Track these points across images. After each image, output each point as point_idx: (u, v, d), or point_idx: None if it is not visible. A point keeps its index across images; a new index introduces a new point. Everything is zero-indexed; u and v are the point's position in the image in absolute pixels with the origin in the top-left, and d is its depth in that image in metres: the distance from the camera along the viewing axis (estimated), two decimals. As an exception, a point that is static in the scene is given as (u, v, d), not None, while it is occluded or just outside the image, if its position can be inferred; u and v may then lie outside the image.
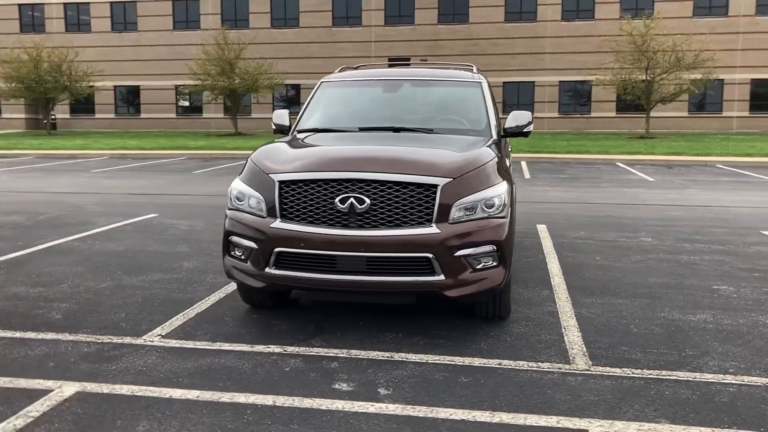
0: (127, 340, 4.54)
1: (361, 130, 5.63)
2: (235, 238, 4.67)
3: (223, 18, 39.93)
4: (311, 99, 6.06)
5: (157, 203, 11.12)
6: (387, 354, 4.28)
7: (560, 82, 38.30)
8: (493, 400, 3.61)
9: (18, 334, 4.64)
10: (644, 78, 30.62)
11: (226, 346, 4.41)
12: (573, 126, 38.05)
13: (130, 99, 42.95)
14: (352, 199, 4.32)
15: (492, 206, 4.44)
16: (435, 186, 4.35)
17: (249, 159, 4.98)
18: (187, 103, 42.02)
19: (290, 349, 4.37)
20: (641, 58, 30.59)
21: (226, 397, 3.64)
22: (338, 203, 4.34)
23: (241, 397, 3.63)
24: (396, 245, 4.28)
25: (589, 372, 4.01)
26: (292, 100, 40.48)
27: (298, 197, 4.46)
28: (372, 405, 3.54)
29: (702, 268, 6.68)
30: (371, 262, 4.32)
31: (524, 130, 5.67)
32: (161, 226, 8.96)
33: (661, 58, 30.26)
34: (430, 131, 5.57)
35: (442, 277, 4.31)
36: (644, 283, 6.08)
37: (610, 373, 3.98)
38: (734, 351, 4.37)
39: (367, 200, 4.31)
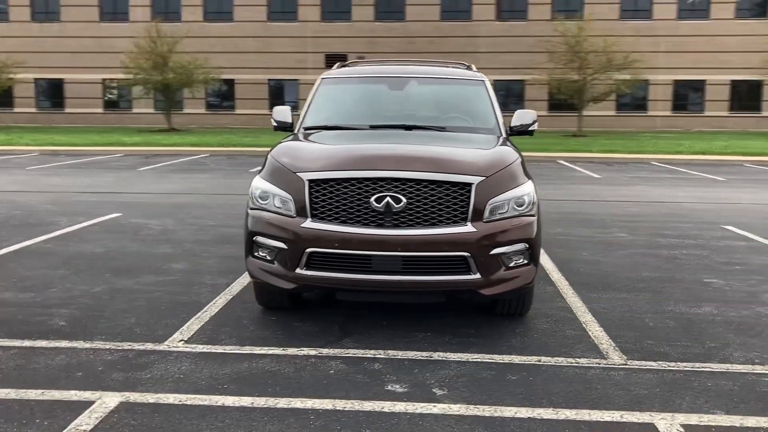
0: (149, 346, 4.34)
1: (372, 128, 5.57)
2: (260, 239, 4.54)
3: (154, 10, 38.71)
4: (314, 95, 5.93)
5: (116, 202, 10.68)
6: (425, 354, 4.25)
7: (495, 81, 38.88)
8: (549, 397, 3.65)
9: (27, 343, 4.37)
10: (577, 78, 31.57)
11: (258, 350, 4.28)
12: (506, 124, 38.77)
13: (52, 93, 41.05)
14: (388, 198, 4.27)
15: (522, 204, 4.48)
16: (470, 184, 4.35)
17: (270, 156, 4.85)
18: (115, 98, 40.53)
19: (325, 351, 4.28)
20: (574, 58, 31.54)
21: (282, 402, 3.53)
22: (374, 202, 4.28)
23: (298, 402, 3.53)
24: (433, 244, 4.25)
25: (627, 366, 4.10)
26: (226, 95, 39.75)
27: (330, 196, 4.37)
28: (434, 406, 3.51)
29: (684, 262, 6.94)
30: (407, 262, 4.28)
31: (529, 129, 5.74)
32: (132, 226, 8.61)
33: (593, 58, 31.26)
34: (442, 129, 5.56)
35: (477, 275, 4.31)
36: (639, 277, 6.27)
37: (648, 367, 4.09)
38: (752, 342, 4.56)
39: (404, 199, 4.27)
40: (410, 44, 38.73)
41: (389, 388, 3.74)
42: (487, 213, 4.35)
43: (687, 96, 38.90)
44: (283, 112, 5.86)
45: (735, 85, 38.44)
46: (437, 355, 4.23)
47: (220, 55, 37.68)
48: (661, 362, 4.17)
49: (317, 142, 5.02)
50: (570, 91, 31.97)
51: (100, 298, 5.39)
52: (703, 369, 4.07)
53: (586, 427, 3.32)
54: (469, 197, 4.33)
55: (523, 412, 3.45)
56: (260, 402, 3.54)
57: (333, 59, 40.02)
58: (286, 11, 39.15)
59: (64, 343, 4.37)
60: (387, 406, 3.50)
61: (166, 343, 4.40)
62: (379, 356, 4.21)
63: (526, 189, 4.54)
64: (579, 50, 31.52)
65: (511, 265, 4.41)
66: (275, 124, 5.89)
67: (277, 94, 40.15)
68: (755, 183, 15.16)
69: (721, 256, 7.19)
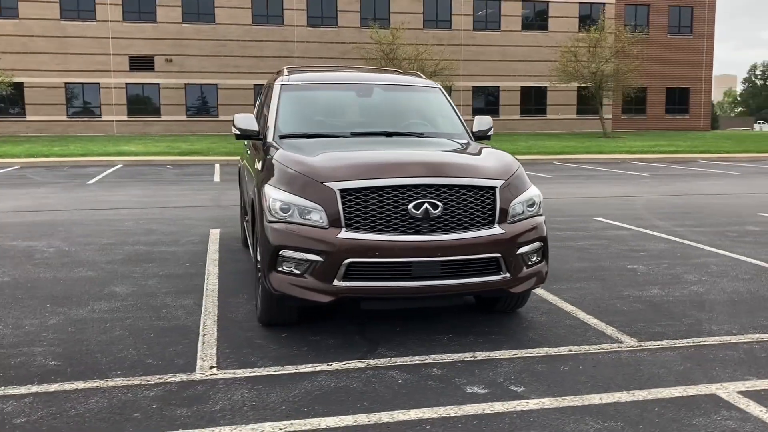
0: (183, 377, 3.98)
1: (354, 135, 5.53)
2: (289, 253, 4.34)
3: None
4: (279, 103, 5.72)
5: (-33, 223, 9.34)
6: (468, 355, 4.36)
7: (309, 85, 39.23)
8: (611, 381, 3.94)
9: (35, 389, 3.79)
10: (392, 83, 32.87)
11: (303, 368, 4.11)
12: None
13: None
14: (426, 205, 4.31)
15: (533, 205, 4.75)
16: (494, 188, 4.53)
17: (278, 165, 4.65)
18: None
19: (372, 362, 4.22)
20: (389, 65, 32.84)
21: (384, 416, 3.46)
22: (412, 209, 4.30)
23: (400, 415, 3.48)
24: (469, 247, 4.37)
25: (645, 347, 4.53)
26: (14, 100, 35.92)
27: (365, 205, 4.32)
28: (526, 402, 3.65)
29: (597, 252, 7.68)
30: (446, 266, 4.36)
31: (488, 134, 6.04)
32: (18, 250, 7.63)
33: (407, 66, 32.77)
34: (421, 135, 5.67)
35: (507, 275, 4.51)
36: (573, 268, 6.85)
37: (661, 346, 4.55)
38: (714, 316, 5.23)
39: (440, 205, 4.35)
40: (221, 47, 37.85)
41: (470, 390, 3.80)
42: (510, 215, 4.56)
43: (483, 101, 42.17)
44: (246, 120, 5.59)
45: (524, 90, 42.36)
46: (481, 355, 4.35)
47: (4, 55, 33.97)
48: (667, 341, 4.65)
49: (323, 152, 4.88)
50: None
51: (66, 331, 4.78)
52: (703, 343, 4.62)
53: (669, 404, 3.65)
54: (495, 200, 4.51)
55: (607, 398, 3.71)
56: (363, 419, 3.43)
57: (138, 62, 37.88)
58: (83, 10, 36.24)
59: (80, 385, 3.85)
60: (486, 408, 3.57)
61: (198, 371, 4.06)
62: (428, 362, 4.24)
63: (535, 191, 4.82)
64: (393, 57, 32.87)
65: (530, 263, 4.66)
66: (237, 132, 5.61)
67: (75, 98, 37.14)
68: (577, 179, 16.96)
69: (619, 245, 8.06)
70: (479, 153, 5.03)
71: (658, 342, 4.63)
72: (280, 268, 4.40)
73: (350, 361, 4.23)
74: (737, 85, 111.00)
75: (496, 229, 4.48)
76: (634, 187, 15.10)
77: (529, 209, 4.71)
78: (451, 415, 3.48)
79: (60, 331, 4.80)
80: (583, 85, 37.73)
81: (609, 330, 4.88)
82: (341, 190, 4.32)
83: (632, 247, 7.91)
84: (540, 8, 42.32)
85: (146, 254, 7.39)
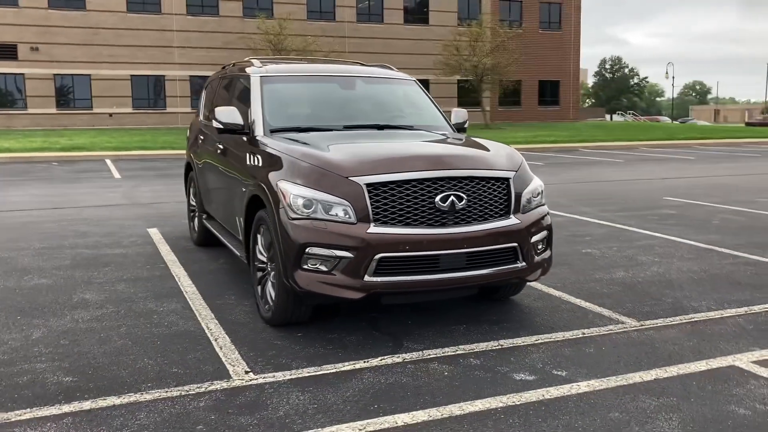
0: (223, 384, 3.79)
1: (346, 128, 5.44)
2: (315, 249, 4.23)
3: None
4: (262, 96, 5.51)
5: None
6: (494, 343, 4.45)
7: (191, 77, 37.97)
8: (638, 361, 4.16)
9: (67, 407, 3.48)
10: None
11: (343, 367, 4.03)
12: (207, 121, 38.06)
13: None
14: (452, 197, 4.35)
15: (538, 195, 4.90)
16: (508, 179, 4.64)
17: (295, 160, 4.50)
18: None
19: (407, 356, 4.21)
20: (276, 56, 32.35)
21: (455, 409, 3.47)
22: (439, 202, 4.32)
23: (468, 406, 3.51)
24: (491, 238, 4.45)
25: (646, 326, 4.81)
26: None
27: (393, 199, 4.28)
28: (577, 385, 3.78)
29: (545, 238, 8.01)
30: (471, 257, 4.41)
31: (464, 126, 6.14)
32: (-57, 257, 6.89)
33: (295, 57, 32.41)
34: (410, 128, 5.67)
35: (524, 263, 4.63)
36: (536, 254, 7.10)
37: (662, 324, 4.85)
38: (689, 294, 5.63)
39: (465, 197, 4.39)
40: (94, 35, 35.80)
41: (518, 378, 3.89)
42: (522, 205, 4.69)
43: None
44: (230, 113, 5.36)
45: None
46: (506, 343, 4.46)
47: None
48: (661, 320, 4.96)
49: (330, 144, 4.76)
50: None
51: (60, 344, 4.41)
52: (695, 320, 4.97)
53: (702, 377, 3.91)
54: (510, 191, 4.62)
55: (645, 376, 3.92)
56: (435, 413, 3.43)
57: (2, 49, 34.80)
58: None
59: (115, 400, 3.58)
60: (545, 394, 3.67)
61: (235, 377, 3.88)
62: (460, 352, 4.29)
63: (539, 181, 4.98)
64: (281, 48, 32.41)
65: (539, 250, 4.81)
66: (220, 126, 5.37)
67: (-73, 90, 33.86)
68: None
69: (563, 231, 8.43)
70: (484, 145, 5.10)
71: (655, 321, 4.93)
72: (305, 266, 4.28)
73: (384, 357, 4.19)
74: (588, 78, 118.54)
75: (513, 220, 4.59)
76: (538, 176, 15.78)
77: (535, 199, 4.86)
78: (517, 403, 3.55)
79: (52, 344, 4.41)
80: (464, 78, 38.92)
81: (606, 312, 5.13)
82: (368, 185, 4.26)
83: (575, 233, 8.32)
84: (420, 1, 43.16)
85: (94, 258, 6.91)
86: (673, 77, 68.78)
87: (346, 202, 4.24)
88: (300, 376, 3.91)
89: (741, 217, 9.57)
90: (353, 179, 4.28)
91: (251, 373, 3.94)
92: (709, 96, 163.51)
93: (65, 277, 6.12)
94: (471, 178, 4.47)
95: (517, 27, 43.72)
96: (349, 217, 4.24)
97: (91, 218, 9.40)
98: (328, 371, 3.97)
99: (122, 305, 5.28)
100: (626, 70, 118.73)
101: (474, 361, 4.14)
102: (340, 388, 3.74)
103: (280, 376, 3.91)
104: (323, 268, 4.25)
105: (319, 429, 3.27)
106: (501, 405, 3.53)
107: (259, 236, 4.90)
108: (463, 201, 4.38)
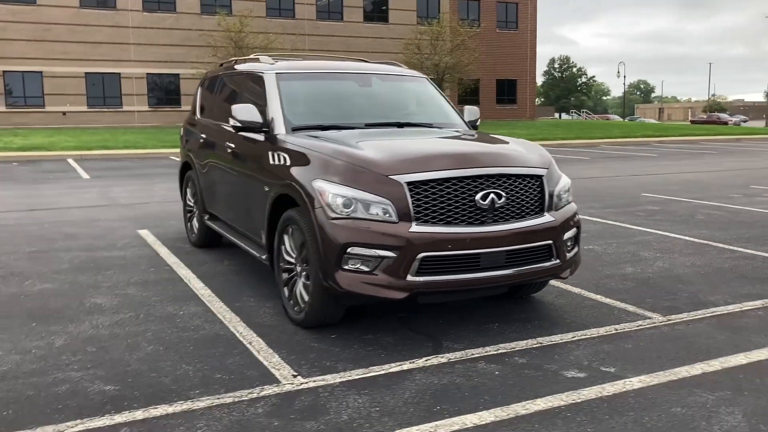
0: (275, 389, 3.69)
1: (368, 126, 5.37)
2: (357, 249, 4.15)
3: None
4: (279, 93, 5.39)
5: None
6: (533, 341, 4.45)
7: (147, 74, 37.18)
8: (680, 356, 4.21)
9: (120, 418, 3.33)
10: (242, 73, 31.98)
11: (390, 368, 3.97)
12: (166, 120, 37.41)
13: None
14: (492, 195, 4.33)
15: (567, 192, 4.92)
16: (541, 176, 4.64)
17: (330, 159, 4.40)
18: None
19: (452, 356, 4.17)
20: (238, 53, 31.91)
21: (519, 408, 3.45)
22: (479, 200, 4.29)
23: (531, 405, 3.49)
24: (529, 235, 4.44)
25: (674, 321, 4.87)
26: None
27: (433, 198, 4.24)
28: (630, 381, 3.80)
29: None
30: (510, 255, 4.40)
31: (476, 124, 6.14)
32: (-70, 262, 6.56)
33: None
34: (429, 125, 5.63)
35: (558, 261, 4.64)
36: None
37: (686, 319, 4.92)
38: (701, 289, 5.73)
39: (504, 194, 4.38)
40: (46, 31, 34.71)
41: (570, 375, 3.89)
42: (554, 202, 4.70)
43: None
44: (249, 111, 5.23)
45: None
46: (545, 341, 4.46)
47: None
48: (685, 314, 5.03)
49: (362, 142, 4.68)
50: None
51: (87, 351, 4.23)
52: (717, 313, 5.05)
53: (747, 370, 3.97)
54: (543, 188, 4.62)
55: (691, 370, 3.96)
56: (500, 413, 3.40)
57: None
58: None
59: (168, 408, 3.44)
60: (601, 391, 3.68)
61: (285, 382, 3.78)
62: (503, 351, 4.27)
63: (566, 179, 4.99)
64: (242, 46, 31.99)
65: (569, 247, 4.82)
66: (239, 124, 5.24)
67: None
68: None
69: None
70: (511, 142, 5.08)
71: (680, 315, 5.00)
72: (345, 267, 4.20)
73: (428, 357, 4.15)
74: (537, 78, 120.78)
75: (547, 217, 4.59)
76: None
77: (565, 196, 4.87)
78: (578, 401, 3.55)
79: (79, 351, 4.24)
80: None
81: (630, 308, 5.18)
82: (409, 183, 4.21)
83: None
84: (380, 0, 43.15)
85: (93, 261, 6.67)
86: (625, 76, 70.47)
87: (387, 201, 4.18)
88: (350, 378, 3.83)
89: (722, 212, 9.82)
90: (394, 177, 4.22)
91: (299, 377, 3.85)
92: (653, 95, 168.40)
93: (70, 282, 5.89)
94: (508, 176, 4.45)
95: (476, 26, 44.09)
96: (391, 216, 4.18)
97: (73, 220, 9.09)
98: (377, 373, 3.91)
99: (140, 309, 5.10)
100: (574, 70, 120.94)
101: (519, 360, 4.12)
102: (395, 390, 3.68)
103: (330, 378, 3.82)
104: (364, 268, 4.18)
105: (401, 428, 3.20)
106: (563, 403, 3.52)
107: (285, 237, 4.79)
108: (502, 199, 4.37)
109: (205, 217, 6.86)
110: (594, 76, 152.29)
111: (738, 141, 32.10)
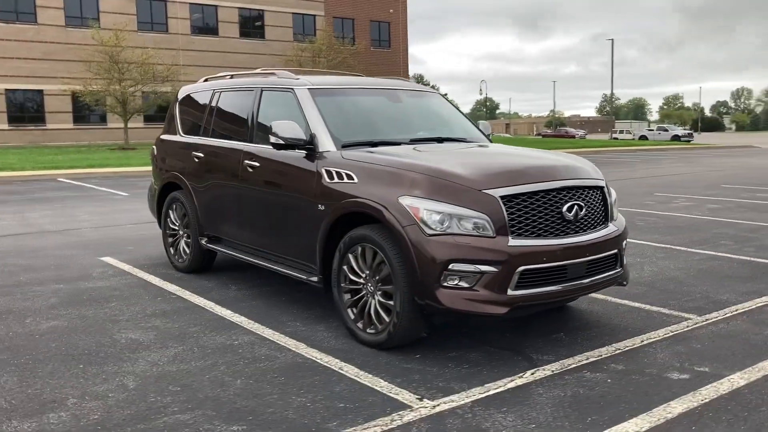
0: (412, 415, 3.55)
1: (413, 141, 5.31)
2: (459, 266, 4.09)
3: None
4: (318, 109, 5.19)
5: None
6: (611, 348, 4.57)
7: (6, 90, 34.32)
8: (750, 352, 4.49)
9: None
10: (119, 88, 30.40)
11: (506, 385, 3.94)
12: (28, 139, 34.71)
13: None
14: (576, 206, 4.43)
15: (615, 203, 5.13)
16: (603, 188, 4.82)
17: (422, 176, 4.30)
18: None
19: (551, 368, 4.21)
20: (113, 68, 30.29)
21: (664, 413, 3.55)
22: (565, 211, 4.38)
23: (672, 409, 3.60)
24: (604, 245, 4.59)
25: (712, 320, 5.20)
26: None
27: (525, 211, 4.28)
28: (733, 379, 4.01)
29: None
30: (590, 265, 4.52)
31: (489, 138, 6.25)
32: None
33: (135, 70, 30.52)
34: (464, 140, 5.66)
35: (620, 269, 4.83)
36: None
37: (720, 317, 5.26)
38: (707, 289, 6.15)
39: (584, 206, 4.50)
40: None
41: (676, 377, 4.05)
42: (612, 213, 4.89)
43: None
44: (291, 128, 5.01)
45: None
46: (621, 346, 4.60)
47: None
48: (715, 313, 5.37)
49: (433, 155, 4.61)
50: (113, 102, 30.53)
51: (173, 391, 3.85)
52: (741, 310, 5.44)
53: (816, 361, 4.33)
54: (606, 199, 4.80)
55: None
56: (650, 419, 3.47)
57: None
58: None
59: None
60: (716, 389, 3.85)
61: (416, 406, 3.65)
62: (593, 359, 4.36)
63: (614, 192, 5.20)
64: (117, 60, 30.38)
65: (623, 255, 5.03)
66: (281, 141, 5.01)
67: None
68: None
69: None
70: (563, 156, 5.19)
71: (713, 315, 5.34)
72: (445, 283, 4.13)
73: (533, 370, 4.16)
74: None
75: (612, 227, 4.77)
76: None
77: (616, 207, 5.07)
78: (706, 401, 3.71)
79: (164, 392, 3.85)
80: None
81: (664, 310, 5.47)
82: (502, 197, 4.22)
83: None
84: (255, 15, 42.58)
85: (82, 293, 6.08)
86: (487, 94, 73.93)
87: (485, 216, 4.16)
88: (476, 397, 3.77)
89: (655, 218, 10.59)
90: (488, 192, 4.21)
91: (425, 399, 3.73)
92: (497, 111, 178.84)
93: (78, 317, 5.33)
94: (584, 188, 4.59)
95: (351, 44, 44.60)
96: (487, 231, 4.16)
97: (14, 250, 8.21)
98: (497, 390, 3.86)
99: (185, 342, 4.72)
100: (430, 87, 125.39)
101: (617, 366, 4.23)
102: (531, 405, 3.66)
103: (458, 399, 3.74)
104: (464, 285, 4.13)
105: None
106: (695, 404, 3.66)
107: (351, 256, 4.63)
108: (583, 210, 4.49)
109: (203, 240, 6.46)
110: (447, 94, 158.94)
111: (597, 153, 34.65)
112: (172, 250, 7.02)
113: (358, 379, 4.02)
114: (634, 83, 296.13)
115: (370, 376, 4.07)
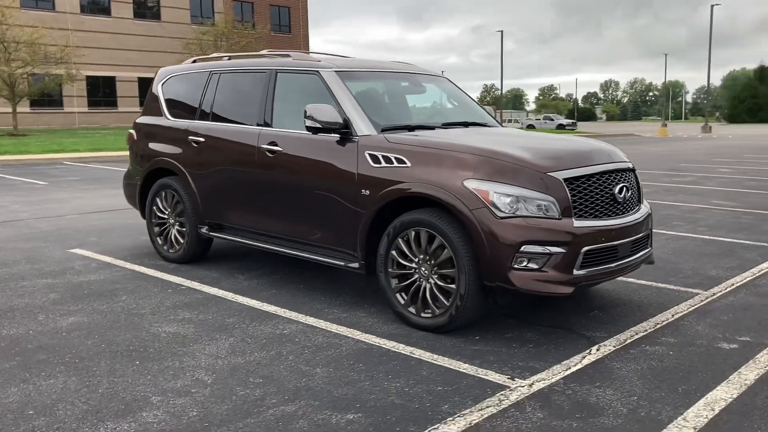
0: (512, 395, 3.59)
1: (444, 126, 5.31)
2: (530, 247, 4.16)
3: None
4: (350, 92, 5.07)
5: None
6: (651, 323, 4.80)
7: None
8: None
9: (418, 446, 3.05)
10: (6, 69, 28.27)
11: (582, 362, 4.06)
12: None
13: None
14: (625, 188, 4.62)
15: (639, 185, 5.37)
16: (635, 171, 5.04)
17: (487, 158, 4.32)
18: None
19: (611, 345, 4.37)
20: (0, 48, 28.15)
21: (743, 380, 3.78)
22: (617, 193, 4.56)
23: (744, 378, 3.85)
24: (643, 225, 4.82)
25: (718, 294, 5.57)
26: None
27: (584, 193, 4.41)
28: (776, 346, 4.35)
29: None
30: (634, 244, 4.73)
31: (501, 123, 6.36)
32: None
33: (23, 50, 28.47)
34: (485, 125, 5.71)
35: (650, 248, 5.08)
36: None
37: (725, 291, 5.64)
38: (694, 266, 6.57)
39: (629, 187, 4.70)
40: None
41: (726, 347, 4.32)
42: (643, 194, 5.13)
43: (100, 91, 38.97)
44: (327, 111, 4.89)
45: (143, 81, 40.51)
46: (658, 321, 4.84)
47: None
48: (716, 287, 5.76)
49: (488, 140, 4.64)
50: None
51: (256, 383, 3.70)
52: (738, 284, 5.85)
53: (834, 327, 4.75)
54: (638, 182, 5.03)
55: (800, 332, 4.63)
56: (737, 387, 3.71)
57: None
58: None
59: (453, 426, 3.22)
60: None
61: (513, 385, 3.69)
62: (643, 333, 4.56)
63: (635, 174, 5.44)
64: (4, 40, 28.24)
65: (652, 237, 5.28)
66: (318, 125, 4.89)
67: None
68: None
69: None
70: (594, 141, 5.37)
71: (716, 289, 5.71)
72: (516, 265, 4.19)
73: (597, 346, 4.31)
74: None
75: (645, 207, 5.00)
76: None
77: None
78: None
79: (248, 385, 3.69)
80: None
81: (671, 287, 5.79)
82: (566, 180, 4.33)
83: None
84: (149, -4, 40.74)
85: (84, 286, 5.69)
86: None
87: (551, 198, 4.25)
88: (565, 374, 3.86)
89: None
90: (553, 175, 4.30)
91: (517, 379, 3.79)
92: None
93: (94, 312, 4.98)
94: (626, 170, 4.79)
95: (251, 28, 43.59)
96: (553, 213, 4.26)
97: (-37, 243, 7.52)
98: (578, 367, 3.97)
99: (233, 333, 4.53)
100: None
101: (669, 339, 4.46)
102: (618, 378, 3.80)
103: (546, 377, 3.82)
104: (533, 266, 4.21)
105: (682, 410, 3.35)
106: (764, 370, 3.93)
107: (401, 241, 4.60)
108: (629, 191, 4.68)
109: (203, 229, 6.18)
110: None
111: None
112: (160, 240, 6.66)
113: (438, 363, 4.01)
114: (512, 74, 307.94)
115: (446, 359, 4.08)
